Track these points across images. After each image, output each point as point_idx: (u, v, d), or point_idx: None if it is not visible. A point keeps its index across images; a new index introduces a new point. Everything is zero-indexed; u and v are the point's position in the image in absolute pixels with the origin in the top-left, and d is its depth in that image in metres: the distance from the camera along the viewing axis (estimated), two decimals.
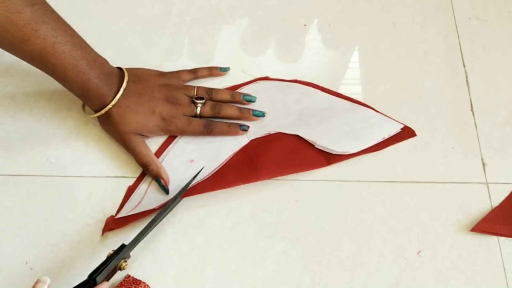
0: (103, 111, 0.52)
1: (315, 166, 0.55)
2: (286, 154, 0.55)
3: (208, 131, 0.54)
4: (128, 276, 0.48)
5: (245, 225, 0.52)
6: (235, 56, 0.63)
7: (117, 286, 0.47)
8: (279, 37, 0.65)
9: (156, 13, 0.65)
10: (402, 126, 0.57)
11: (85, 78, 0.50)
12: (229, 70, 0.60)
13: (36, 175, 0.53)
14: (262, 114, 0.56)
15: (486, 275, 0.50)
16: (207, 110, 0.55)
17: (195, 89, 0.56)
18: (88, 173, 0.54)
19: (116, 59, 0.61)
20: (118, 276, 0.48)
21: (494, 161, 0.57)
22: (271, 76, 0.61)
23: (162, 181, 0.52)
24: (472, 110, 0.60)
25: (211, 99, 0.56)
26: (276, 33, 0.65)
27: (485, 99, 0.61)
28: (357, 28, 0.66)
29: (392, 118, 0.58)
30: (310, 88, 0.60)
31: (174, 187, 0.52)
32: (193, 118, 0.54)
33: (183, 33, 0.64)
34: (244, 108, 0.56)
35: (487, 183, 0.55)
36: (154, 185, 0.53)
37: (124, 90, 0.52)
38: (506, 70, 0.63)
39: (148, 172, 0.53)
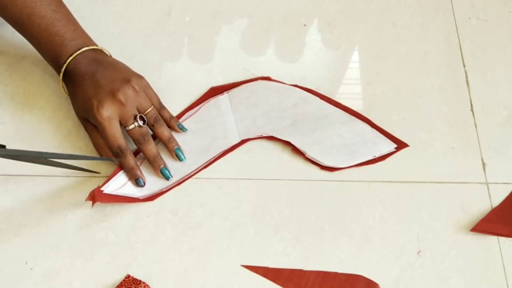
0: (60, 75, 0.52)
1: None
2: None
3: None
4: (128, 276, 0.48)
5: (245, 225, 0.52)
6: (235, 56, 0.63)
7: (117, 286, 0.47)
8: (279, 37, 0.65)
9: (156, 13, 0.65)
10: (396, 146, 0.57)
11: (56, 54, 0.51)
12: (186, 130, 0.56)
13: (36, 175, 0.53)
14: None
15: (486, 275, 0.50)
16: (136, 133, 0.51)
17: (149, 109, 0.52)
18: (88, 173, 0.54)
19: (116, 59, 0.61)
20: (118, 275, 0.47)
21: (494, 161, 0.57)
22: (272, 77, 0.61)
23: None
24: (472, 110, 0.60)
25: (152, 127, 0.53)
26: (276, 33, 0.65)
27: (485, 99, 0.61)
28: (357, 28, 0.66)
29: (387, 134, 0.57)
30: (309, 94, 0.60)
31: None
32: (116, 121, 0.50)
33: (183, 33, 0.64)
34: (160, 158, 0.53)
35: (487, 183, 0.55)
36: (145, 167, 0.53)
37: (81, 62, 0.51)
38: (506, 70, 0.63)
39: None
